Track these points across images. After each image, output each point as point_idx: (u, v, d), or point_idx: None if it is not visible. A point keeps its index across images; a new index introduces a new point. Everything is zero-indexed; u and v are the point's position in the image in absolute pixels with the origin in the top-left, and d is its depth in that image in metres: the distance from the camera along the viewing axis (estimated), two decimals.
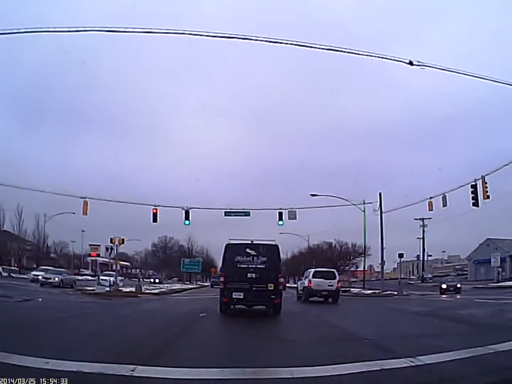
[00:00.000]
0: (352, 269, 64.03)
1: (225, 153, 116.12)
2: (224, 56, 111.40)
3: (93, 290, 28.40)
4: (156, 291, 32.29)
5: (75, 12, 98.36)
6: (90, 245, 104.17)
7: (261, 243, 14.57)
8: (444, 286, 40.94)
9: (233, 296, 13.75)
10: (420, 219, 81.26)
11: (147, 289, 33.40)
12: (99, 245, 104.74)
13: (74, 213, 69.85)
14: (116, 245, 32.34)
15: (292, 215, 36.63)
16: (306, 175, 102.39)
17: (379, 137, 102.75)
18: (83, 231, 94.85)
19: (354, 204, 43.24)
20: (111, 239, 32.14)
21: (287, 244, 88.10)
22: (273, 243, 14.76)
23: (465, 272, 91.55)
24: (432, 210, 34.26)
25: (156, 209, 33.45)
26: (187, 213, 33.85)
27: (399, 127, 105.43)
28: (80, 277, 52.53)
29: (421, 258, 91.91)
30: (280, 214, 36.22)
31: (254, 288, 13.68)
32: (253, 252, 14.11)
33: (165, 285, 46.64)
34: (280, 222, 36.27)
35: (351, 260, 53.86)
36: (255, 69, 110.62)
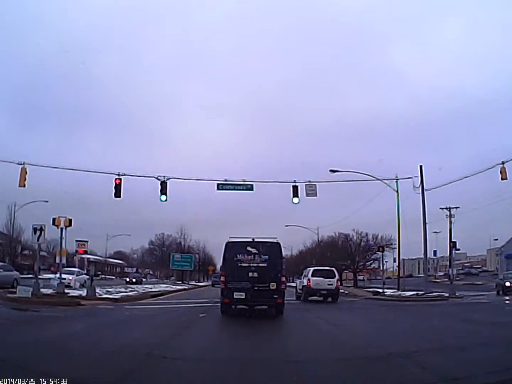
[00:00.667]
0: (374, 265, 54.04)
1: (226, 153, 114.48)
2: (225, 56, 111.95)
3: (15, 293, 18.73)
4: (119, 295, 22.47)
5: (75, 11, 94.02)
6: (77, 241, 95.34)
7: (262, 241, 14.00)
8: (508, 284, 31.07)
9: (235, 296, 13.21)
10: (446, 208, 71.20)
11: (109, 292, 23.64)
12: (86, 241, 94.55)
13: (47, 201, 60.76)
14: (62, 228, 22.53)
15: (311, 191, 26.74)
16: (308, 174, 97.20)
17: (380, 135, 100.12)
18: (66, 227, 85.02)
19: (379, 179, 33.28)
20: (53, 220, 22.35)
21: (293, 240, 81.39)
22: (275, 240, 14.17)
23: (478, 269, 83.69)
24: (506, 178, 24.56)
25: (119, 179, 23.60)
26: (163, 185, 23.98)
27: (400, 126, 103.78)
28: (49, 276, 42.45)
29: (437, 255, 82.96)
30: (295, 189, 26.35)
31: (255, 288, 13.13)
32: (254, 250, 13.47)
33: (145, 286, 36.70)
34: (295, 200, 26.42)
35: (383, 251, 43.58)
36: (256, 68, 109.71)
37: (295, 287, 28.96)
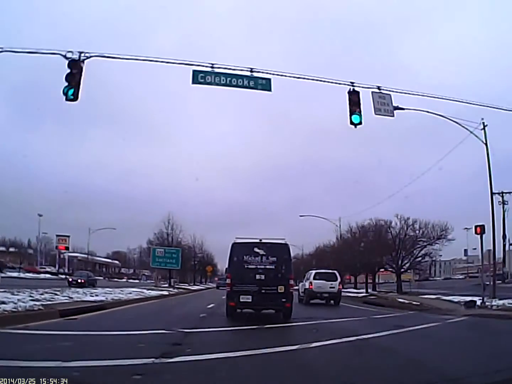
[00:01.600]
0: (423, 260, 40.19)
1: (230, 149, 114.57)
2: (231, 49, 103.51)
3: None
4: None
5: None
6: (57, 235, 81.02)
7: (270, 242, 13.36)
8: None
9: (241, 300, 12.55)
10: (499, 193, 56.55)
11: None
12: (68, 236, 79.69)
13: None
14: None
15: (384, 106, 13.66)
16: (313, 171, 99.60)
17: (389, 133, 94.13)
18: (40, 215, 72.16)
19: (461, 124, 21.05)
20: None
21: (309, 237, 73.25)
22: (283, 241, 13.46)
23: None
24: None
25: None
26: (74, 68, 10.92)
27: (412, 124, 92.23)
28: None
29: (467, 254, 69.18)
30: (354, 98, 13.21)
31: (263, 291, 12.52)
32: (261, 252, 12.84)
33: (93, 291, 22.93)
34: (356, 118, 13.23)
35: (482, 233, 29.59)
36: (262, 59, 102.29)
37: (297, 290, 27.12)
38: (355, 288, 48.59)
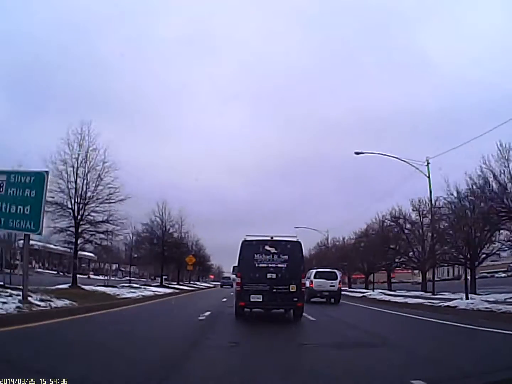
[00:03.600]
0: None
1: (232, 148, 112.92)
2: (241, 44, 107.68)
3: None
4: None
5: None
6: None
7: (282, 239, 13.29)
8: None
9: (251, 299, 12.60)
10: None
11: None
12: None
13: None
14: None
15: None
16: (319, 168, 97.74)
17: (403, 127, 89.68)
18: None
19: None
20: None
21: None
22: (295, 239, 13.52)
23: None
24: None
25: None
26: None
27: (424, 118, 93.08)
28: None
29: None
30: None
31: (274, 290, 12.52)
32: (273, 250, 12.73)
33: None
34: None
35: None
36: (274, 51, 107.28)
37: None
38: (366, 288, 38.55)
